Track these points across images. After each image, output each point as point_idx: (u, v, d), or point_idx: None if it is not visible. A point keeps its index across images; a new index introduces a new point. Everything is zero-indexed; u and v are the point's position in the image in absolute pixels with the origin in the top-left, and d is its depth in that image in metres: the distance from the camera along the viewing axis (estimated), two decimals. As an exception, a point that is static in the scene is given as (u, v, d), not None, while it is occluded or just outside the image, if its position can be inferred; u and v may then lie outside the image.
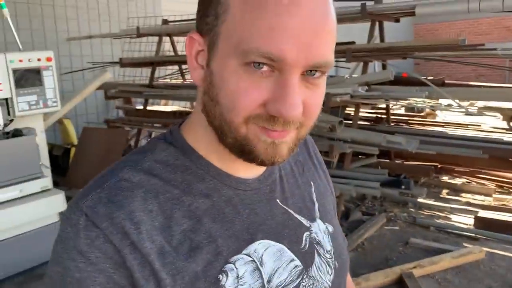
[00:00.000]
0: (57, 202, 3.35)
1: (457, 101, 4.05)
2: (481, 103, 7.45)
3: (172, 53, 6.05)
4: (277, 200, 0.68)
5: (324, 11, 0.52)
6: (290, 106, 0.51)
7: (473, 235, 3.76)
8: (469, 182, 5.05)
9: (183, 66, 6.01)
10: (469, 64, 4.61)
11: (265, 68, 0.51)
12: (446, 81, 4.48)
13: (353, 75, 5.17)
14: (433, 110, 7.87)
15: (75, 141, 5.85)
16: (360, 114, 4.82)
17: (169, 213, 0.57)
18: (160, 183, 0.59)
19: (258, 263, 0.61)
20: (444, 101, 9.10)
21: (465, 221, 4.07)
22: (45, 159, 3.43)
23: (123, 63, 5.77)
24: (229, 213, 0.61)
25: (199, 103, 0.61)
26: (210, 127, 0.59)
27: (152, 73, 5.66)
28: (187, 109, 5.99)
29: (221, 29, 0.54)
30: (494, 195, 4.64)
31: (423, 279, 3.08)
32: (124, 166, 0.61)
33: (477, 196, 4.72)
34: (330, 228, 0.73)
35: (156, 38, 5.85)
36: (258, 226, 0.63)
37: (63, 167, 5.49)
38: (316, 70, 0.53)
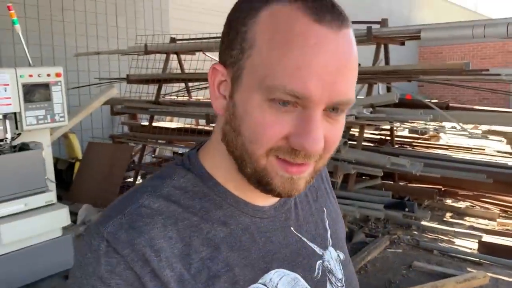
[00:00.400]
0: (61, 216, 3.35)
1: (461, 124, 4.06)
2: (485, 127, 7.46)
3: (179, 71, 6.11)
4: (292, 228, 0.68)
5: (348, 50, 0.54)
6: (313, 141, 0.53)
7: (477, 259, 3.74)
8: (473, 206, 5.03)
9: (190, 84, 6.07)
10: (473, 88, 4.64)
11: (288, 104, 0.53)
12: (450, 104, 4.50)
13: (358, 97, 5.21)
14: (437, 132, 7.88)
15: (80, 156, 5.88)
16: (365, 135, 4.84)
17: (188, 241, 0.58)
18: (179, 209, 0.60)
19: None
20: (447, 124, 9.13)
21: (469, 245, 4.05)
22: (50, 174, 3.45)
23: (130, 79, 5.83)
24: (246, 241, 0.62)
25: (218, 131, 0.63)
26: (229, 155, 0.60)
27: (159, 90, 5.71)
28: (192, 126, 6.02)
29: (246, 63, 0.55)
30: (498, 220, 4.62)
31: (426, 303, 3.05)
32: (143, 192, 0.61)
33: (481, 220, 4.69)
34: (342, 256, 0.74)
35: (163, 56, 5.93)
36: (274, 254, 0.64)
37: (67, 181, 5.50)
38: (337, 108, 0.55)
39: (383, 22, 4.36)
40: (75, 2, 6.77)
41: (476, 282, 3.32)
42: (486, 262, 3.69)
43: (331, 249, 0.73)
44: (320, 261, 0.70)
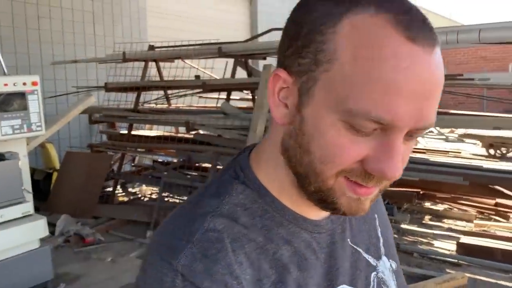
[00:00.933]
0: (39, 228, 3.28)
1: (437, 128, 4.14)
2: (461, 131, 7.63)
3: (157, 78, 6.08)
4: (348, 240, 0.66)
5: (439, 72, 0.49)
6: (395, 168, 0.49)
7: (456, 261, 3.80)
8: (450, 208, 5.13)
9: (169, 91, 6.04)
10: (448, 92, 4.74)
11: (367, 127, 0.49)
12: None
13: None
14: (414, 137, 8.00)
15: (57, 166, 5.78)
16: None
17: (257, 264, 0.54)
18: (243, 230, 0.55)
19: None
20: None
21: (448, 247, 4.12)
22: (27, 184, 3.38)
23: (108, 87, 5.78)
24: (310, 259, 0.59)
25: (275, 141, 0.58)
26: (286, 169, 0.57)
27: (137, 98, 5.67)
28: (172, 133, 5.99)
29: (321, 76, 0.50)
30: (475, 221, 4.71)
31: (407, 305, 3.08)
32: (205, 213, 0.56)
33: (458, 222, 4.78)
34: (394, 265, 0.71)
35: (142, 63, 5.89)
36: (336, 270, 0.62)
37: (44, 191, 5.40)
38: (418, 132, 0.51)
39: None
40: (51, 10, 6.68)
41: (455, 283, 3.38)
42: (465, 263, 3.76)
43: (384, 258, 0.70)
44: (375, 272, 0.67)
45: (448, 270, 3.63)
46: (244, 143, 4.18)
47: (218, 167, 4.69)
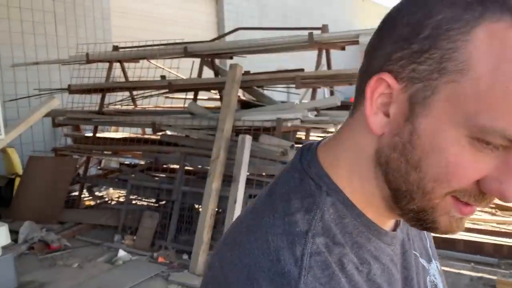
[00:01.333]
0: (1, 235, 3.19)
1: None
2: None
3: (122, 79, 5.99)
4: (411, 248, 0.64)
5: None
6: None
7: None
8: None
9: (134, 92, 5.96)
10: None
11: (497, 145, 0.45)
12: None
13: (303, 101, 5.33)
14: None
15: (20, 171, 5.62)
16: (311, 138, 4.95)
17: (358, 286, 0.50)
18: (342, 250, 0.51)
19: None
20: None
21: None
22: (-13, 191, 3.28)
23: (71, 89, 5.66)
24: (395, 273, 0.57)
25: (362, 149, 0.53)
26: (378, 182, 0.53)
27: (102, 99, 5.57)
28: (138, 135, 5.91)
29: (444, 87, 0.46)
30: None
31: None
32: (303, 232, 0.50)
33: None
34: (439, 266, 0.70)
35: (106, 65, 5.79)
36: (411, 280, 0.60)
37: (6, 198, 5.25)
38: None
39: (324, 28, 4.49)
40: (9, 11, 6.48)
41: (420, 275, 3.48)
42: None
43: (434, 261, 0.69)
44: (428, 276, 0.65)
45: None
46: (211, 143, 4.17)
47: (186, 168, 4.66)
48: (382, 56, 0.50)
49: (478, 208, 0.51)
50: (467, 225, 4.41)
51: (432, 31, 0.46)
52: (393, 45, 0.49)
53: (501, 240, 3.96)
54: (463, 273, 3.57)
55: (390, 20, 0.51)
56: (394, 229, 0.60)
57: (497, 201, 0.50)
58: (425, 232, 0.69)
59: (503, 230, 4.25)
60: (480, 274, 3.55)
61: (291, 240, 0.49)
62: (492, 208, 4.95)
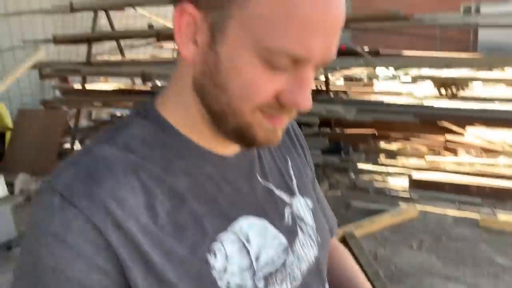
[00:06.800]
0: (-4, 186, 3.23)
1: (391, 69, 4.25)
2: (414, 72, 7.83)
3: (109, 29, 5.86)
4: (257, 176, 0.66)
5: (343, 7, 0.51)
6: (307, 98, 0.52)
7: (408, 196, 4.05)
8: (404, 147, 5.37)
9: (122, 42, 5.84)
10: (402, 34, 4.82)
11: (283, 64, 0.50)
12: (381, 51, 4.68)
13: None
14: (370, 79, 8.17)
15: (10, 125, 5.59)
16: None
17: (152, 191, 0.54)
18: (139, 160, 0.55)
19: (244, 241, 0.59)
20: (381, 72, 9.50)
21: (401, 183, 4.36)
22: (-21, 144, 3.29)
23: (57, 40, 5.53)
24: (211, 191, 0.59)
25: (184, 79, 0.58)
26: (197, 107, 0.57)
27: (89, 50, 5.46)
28: (129, 87, 5.86)
29: (235, 13, 0.49)
30: (426, 158, 4.98)
31: (364, 238, 3.29)
32: (98, 143, 0.56)
33: (411, 159, 5.04)
34: (310, 204, 0.72)
35: (91, 14, 5.64)
36: (241, 203, 0.61)
37: (-2, 152, 5.25)
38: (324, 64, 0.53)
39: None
40: (-14, -42, 6.20)
41: (407, 215, 3.62)
42: (416, 197, 4.01)
43: (299, 196, 0.71)
44: (289, 208, 0.68)
45: (401, 204, 3.87)
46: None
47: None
48: None
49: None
50: (454, 167, 4.54)
51: None
52: None
53: (484, 182, 4.09)
54: (448, 214, 3.72)
55: None
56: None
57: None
58: (291, 171, 0.73)
59: (487, 172, 4.38)
60: (464, 214, 3.70)
61: (83, 150, 0.56)
62: (479, 151, 5.07)
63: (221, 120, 0.55)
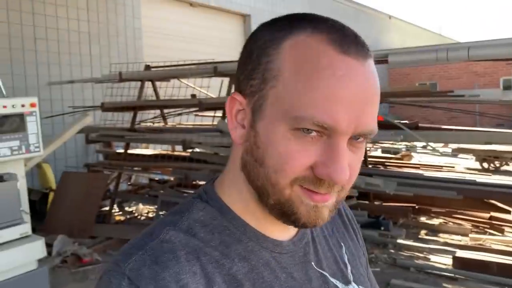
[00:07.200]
0: (37, 248, 3.28)
1: (430, 143, 4.21)
2: (454, 145, 7.69)
3: (154, 98, 6.14)
4: (312, 263, 0.67)
5: (373, 81, 0.55)
6: (341, 170, 0.52)
7: (452, 275, 3.83)
8: (446, 223, 5.17)
9: (165, 110, 6.10)
10: (440, 108, 4.82)
11: (314, 133, 0.53)
12: (420, 124, 4.67)
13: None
14: (408, 152, 8.07)
15: (54, 186, 5.78)
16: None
17: (211, 277, 0.56)
18: (200, 244, 0.58)
19: None
20: (418, 143, 9.39)
21: (444, 261, 4.14)
22: (25, 205, 3.39)
23: (104, 107, 5.83)
24: (268, 278, 0.60)
25: (236, 162, 0.62)
26: (247, 186, 0.60)
27: (134, 117, 5.72)
28: (168, 152, 6.02)
29: (269, 93, 0.55)
30: (470, 235, 4.75)
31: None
32: (163, 227, 0.59)
33: (454, 236, 4.82)
34: None
35: (138, 83, 5.96)
36: None
37: (40, 212, 5.40)
38: (361, 136, 0.56)
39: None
40: (47, 32, 6.77)
41: (452, 297, 3.40)
42: (461, 277, 3.79)
43: (353, 284, 0.71)
44: None
45: (444, 285, 3.65)
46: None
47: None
48: (236, 80, 0.61)
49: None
50: (500, 247, 4.30)
51: (257, 52, 0.57)
52: (239, 70, 0.60)
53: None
54: (497, 297, 3.47)
55: (241, 51, 0.61)
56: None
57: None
58: (345, 258, 0.73)
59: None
60: (515, 299, 3.45)
61: (149, 233, 0.59)
62: (526, 230, 4.81)
63: (264, 196, 0.57)
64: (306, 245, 0.67)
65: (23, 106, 3.34)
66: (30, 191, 5.37)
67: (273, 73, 0.55)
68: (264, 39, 0.57)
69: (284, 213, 0.57)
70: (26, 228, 3.31)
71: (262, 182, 0.57)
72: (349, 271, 0.72)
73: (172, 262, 0.54)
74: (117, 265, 0.54)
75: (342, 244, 0.75)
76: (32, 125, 3.39)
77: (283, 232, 0.64)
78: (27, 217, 3.37)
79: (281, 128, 0.54)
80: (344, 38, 0.54)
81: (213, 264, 0.57)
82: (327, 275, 0.67)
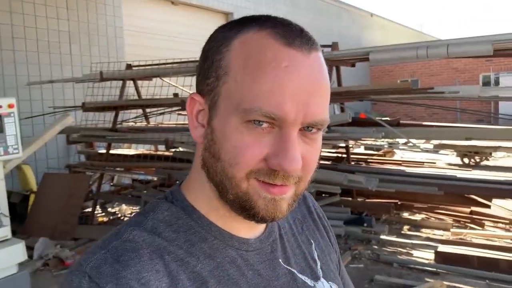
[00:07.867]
0: (17, 252, 3.23)
1: (412, 140, 4.26)
2: (435, 141, 7.80)
3: (136, 97, 6.08)
4: (280, 260, 0.67)
5: (319, 72, 0.56)
6: (292, 159, 0.53)
7: (434, 269, 3.88)
8: (428, 218, 5.23)
9: (147, 110, 6.04)
10: (421, 105, 4.88)
11: (265, 125, 0.54)
12: (402, 121, 4.72)
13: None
14: (390, 148, 8.14)
15: (34, 188, 5.69)
16: (322, 153, 4.97)
17: (175, 274, 0.56)
18: (164, 243, 0.58)
19: None
20: (401, 140, 9.50)
21: (426, 256, 4.20)
22: (4, 208, 3.33)
23: (85, 107, 5.76)
24: (234, 275, 0.60)
25: (198, 160, 0.63)
26: (209, 184, 0.61)
27: (115, 117, 5.65)
28: (151, 152, 5.98)
29: (222, 89, 0.57)
30: (451, 230, 4.82)
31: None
32: (127, 227, 0.60)
33: (436, 231, 4.88)
34: (334, 287, 0.73)
35: (119, 83, 5.89)
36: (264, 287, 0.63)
37: (20, 214, 5.31)
38: (312, 127, 0.57)
39: (335, 46, 4.55)
40: (25, 31, 6.64)
41: (434, 292, 3.45)
42: (443, 271, 3.84)
43: (322, 280, 0.71)
44: None
45: (427, 279, 3.70)
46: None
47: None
48: (196, 80, 0.63)
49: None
50: (481, 241, 4.37)
51: (211, 51, 0.60)
52: (197, 71, 0.62)
53: (516, 257, 3.91)
54: (478, 290, 3.53)
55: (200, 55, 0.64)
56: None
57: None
58: (315, 254, 0.74)
59: (518, 247, 4.20)
60: (495, 291, 3.51)
61: (113, 234, 0.59)
62: (506, 224, 4.90)
63: (223, 192, 0.58)
64: (273, 243, 0.68)
65: (0, 107, 3.28)
66: (10, 194, 5.27)
67: (224, 70, 0.57)
68: (217, 39, 0.60)
69: (243, 207, 0.57)
70: (5, 231, 3.25)
71: (220, 178, 0.58)
72: (318, 267, 0.72)
73: (134, 260, 0.55)
74: (80, 264, 0.55)
75: (312, 241, 0.76)
76: (10, 126, 3.33)
77: (249, 230, 0.65)
78: (6, 220, 3.31)
79: (234, 122, 0.55)
80: (289, 32, 0.56)
81: (178, 263, 0.57)
82: (295, 271, 0.68)
